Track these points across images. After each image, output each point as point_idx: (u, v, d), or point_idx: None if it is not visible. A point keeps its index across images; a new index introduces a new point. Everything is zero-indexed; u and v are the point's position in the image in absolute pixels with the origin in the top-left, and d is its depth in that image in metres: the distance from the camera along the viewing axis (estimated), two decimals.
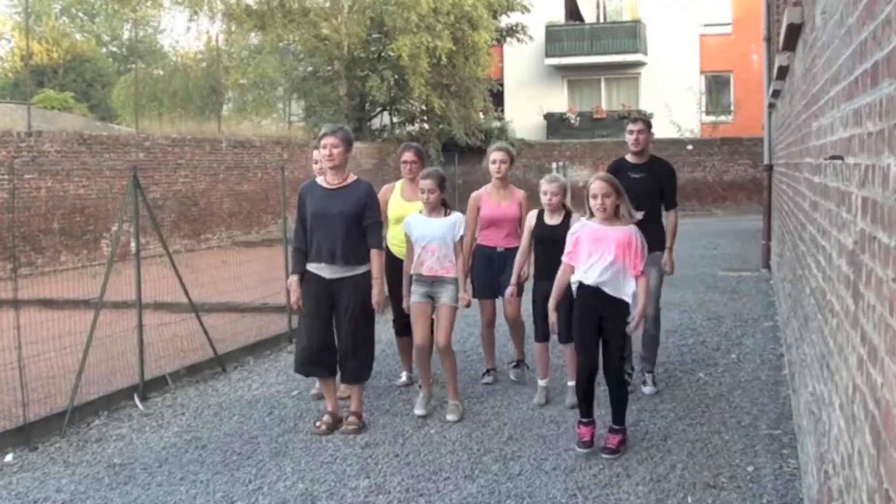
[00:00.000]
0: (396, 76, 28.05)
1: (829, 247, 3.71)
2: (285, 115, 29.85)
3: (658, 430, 6.44)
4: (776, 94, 10.59)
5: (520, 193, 7.69)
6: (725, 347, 8.98)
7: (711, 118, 32.96)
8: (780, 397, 7.17)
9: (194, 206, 21.03)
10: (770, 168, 14.00)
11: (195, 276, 10.98)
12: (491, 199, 7.65)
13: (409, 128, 31.21)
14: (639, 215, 6.15)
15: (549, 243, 6.70)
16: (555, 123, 34.80)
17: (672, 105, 30.90)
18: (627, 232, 5.92)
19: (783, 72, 8.31)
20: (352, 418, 6.67)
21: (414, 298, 6.85)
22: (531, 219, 7.09)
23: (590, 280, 5.90)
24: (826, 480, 3.57)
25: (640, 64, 35.29)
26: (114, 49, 48.68)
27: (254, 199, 23.05)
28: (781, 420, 6.57)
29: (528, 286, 7.35)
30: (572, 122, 34.52)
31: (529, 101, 34.75)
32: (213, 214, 21.69)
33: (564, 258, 6.09)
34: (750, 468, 5.65)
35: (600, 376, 6.06)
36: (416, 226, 6.84)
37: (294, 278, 6.69)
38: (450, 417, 6.81)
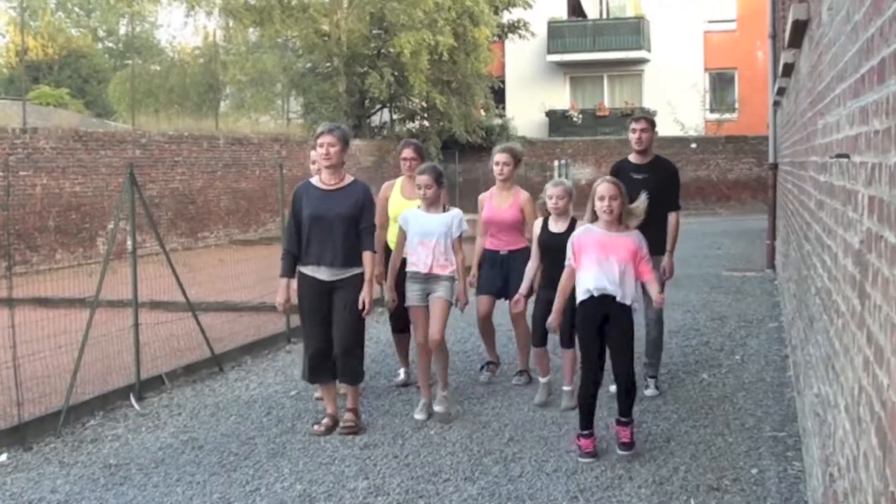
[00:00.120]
0: (396, 73, 28.04)
1: (835, 246, 3.71)
2: (284, 111, 29.85)
3: (661, 431, 6.44)
4: (781, 91, 10.59)
5: (522, 196, 7.65)
6: (729, 348, 8.98)
7: (716, 116, 32.99)
8: (784, 399, 7.17)
9: (191, 204, 21.03)
10: (775, 167, 14.00)
11: (192, 275, 10.97)
12: (492, 202, 7.67)
13: (409, 125, 31.23)
14: (644, 202, 6.08)
15: (554, 252, 6.67)
16: (557, 121, 34.81)
17: (676, 103, 30.91)
18: (633, 238, 5.90)
19: (788, 69, 8.30)
20: (348, 415, 6.66)
21: (412, 301, 6.84)
22: (536, 227, 7.06)
23: (595, 287, 5.84)
24: (831, 483, 3.57)
25: (643, 61, 35.30)
26: (110, 44, 48.67)
27: (252, 197, 23.05)
28: (786, 422, 6.57)
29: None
30: (574, 119, 34.54)
31: (531, 98, 34.76)
32: (210, 212, 21.69)
33: (568, 262, 6.04)
34: (754, 471, 5.65)
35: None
36: (413, 221, 6.83)
37: (283, 282, 6.68)
38: (437, 409, 6.81)
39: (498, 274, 7.61)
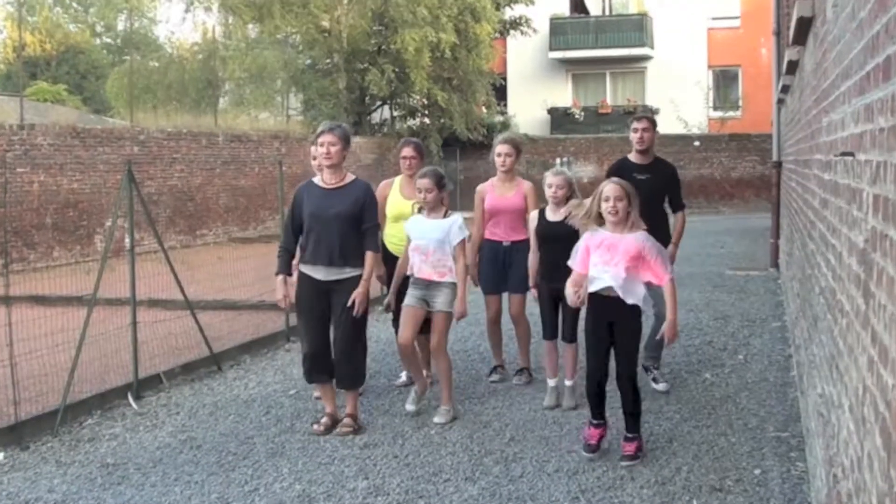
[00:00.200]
0: (397, 69, 28.04)
1: (840, 245, 3.71)
2: (283, 108, 29.85)
3: (663, 431, 6.44)
4: (785, 89, 10.59)
5: (525, 185, 7.67)
6: (732, 348, 8.98)
7: (719, 114, 32.96)
8: (788, 399, 7.17)
9: (190, 202, 21.04)
10: (779, 165, 14.00)
11: (191, 273, 10.98)
12: (495, 192, 7.67)
13: (410, 122, 31.22)
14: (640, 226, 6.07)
15: (553, 241, 6.67)
16: (559, 118, 34.81)
17: (679, 100, 30.90)
18: (638, 239, 5.85)
19: (793, 66, 8.30)
20: (347, 420, 6.66)
21: (407, 301, 6.84)
22: (533, 219, 7.06)
23: (603, 289, 5.82)
24: (835, 484, 3.57)
25: (646, 58, 35.28)
26: (108, 40, 48.66)
27: (251, 195, 23.06)
28: (789, 422, 6.57)
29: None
30: (577, 116, 34.53)
31: (533, 95, 34.75)
32: (209, 210, 21.70)
33: (575, 269, 6.00)
34: (757, 471, 5.65)
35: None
36: (413, 227, 6.83)
37: (280, 278, 6.68)
38: (436, 419, 6.79)
39: (499, 268, 7.61)
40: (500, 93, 33.65)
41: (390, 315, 7.98)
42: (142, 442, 6.64)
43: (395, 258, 7.38)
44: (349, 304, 6.45)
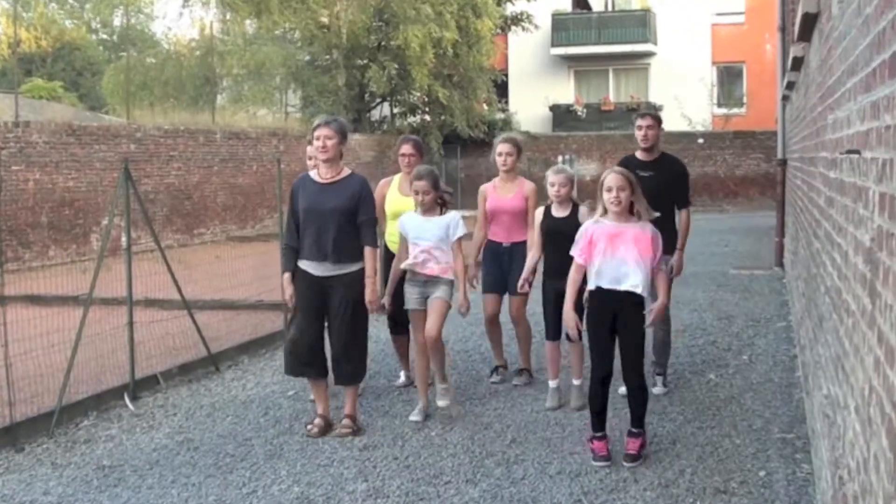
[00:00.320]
0: (397, 66, 28.03)
1: (845, 244, 3.70)
2: (282, 105, 29.84)
3: (667, 433, 6.44)
4: (790, 85, 10.58)
5: (527, 186, 7.66)
6: (737, 348, 8.98)
7: (723, 111, 32.97)
8: (793, 400, 7.17)
9: (187, 200, 21.04)
10: (784, 162, 13.99)
11: (188, 272, 10.98)
12: (496, 192, 7.67)
13: (410, 119, 31.20)
14: (652, 215, 6.08)
15: (559, 237, 6.67)
16: (561, 115, 34.81)
17: (682, 97, 30.89)
18: (645, 228, 5.86)
19: (798, 63, 8.30)
20: (345, 421, 6.66)
21: (410, 304, 6.83)
22: (539, 215, 7.07)
23: (606, 283, 5.83)
24: (841, 486, 3.57)
25: (649, 54, 35.29)
26: (104, 36, 48.65)
27: (249, 193, 23.06)
28: (795, 423, 6.57)
29: (536, 283, 7.34)
30: (579, 114, 34.54)
31: (535, 92, 34.75)
32: (206, 208, 21.70)
33: (577, 258, 6.01)
34: (762, 473, 5.65)
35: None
36: (410, 226, 6.81)
37: (287, 276, 6.68)
38: (440, 403, 6.82)
39: (499, 268, 7.62)
40: (502, 90, 33.65)
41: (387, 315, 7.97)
42: (138, 443, 6.64)
43: (394, 256, 7.38)
44: (354, 303, 6.47)
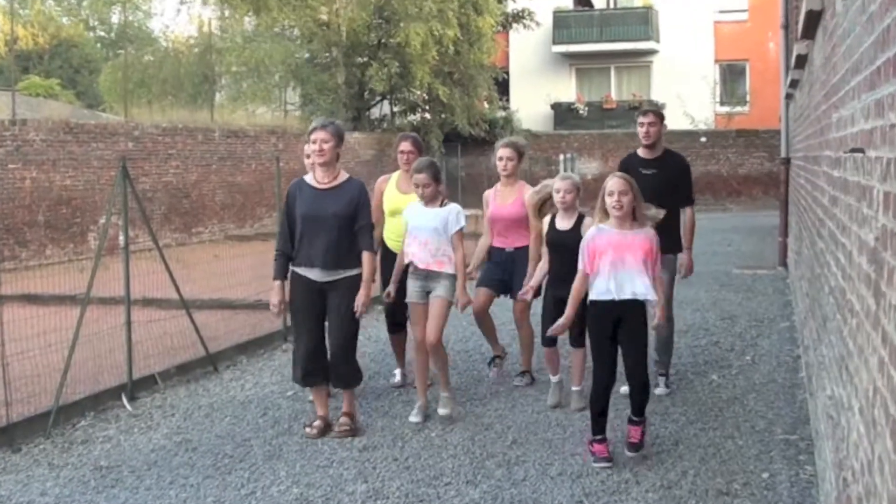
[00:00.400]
0: (398, 64, 28.01)
1: (850, 244, 3.70)
2: (281, 103, 29.84)
3: (669, 434, 6.44)
4: (794, 83, 10.58)
5: (526, 191, 7.63)
6: (740, 348, 8.98)
7: (726, 109, 32.98)
8: (796, 401, 7.17)
9: (185, 199, 21.04)
10: (787, 161, 13.99)
11: (186, 272, 10.99)
12: (497, 199, 7.68)
13: (410, 117, 31.20)
14: (661, 213, 6.08)
15: (562, 249, 6.65)
16: (562, 113, 34.81)
17: (685, 95, 30.90)
18: (647, 237, 5.87)
19: (802, 61, 8.29)
20: (343, 419, 6.66)
21: (411, 297, 6.84)
22: (544, 225, 7.05)
23: (614, 293, 5.82)
24: (845, 488, 3.57)
25: (651, 52, 35.28)
26: (102, 34, 48.63)
27: (248, 192, 23.06)
28: (798, 425, 6.57)
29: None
30: (581, 112, 34.53)
31: (536, 90, 34.75)
32: (205, 207, 21.70)
33: (581, 267, 6.00)
34: (765, 475, 5.65)
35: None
36: (411, 215, 6.83)
37: (276, 284, 6.67)
38: (441, 412, 6.81)
39: (500, 270, 7.61)
40: (503, 87, 33.63)
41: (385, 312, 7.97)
42: (136, 444, 6.64)
43: (393, 254, 7.39)
44: (353, 307, 6.46)
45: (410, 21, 26.95)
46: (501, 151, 7.63)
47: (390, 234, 7.55)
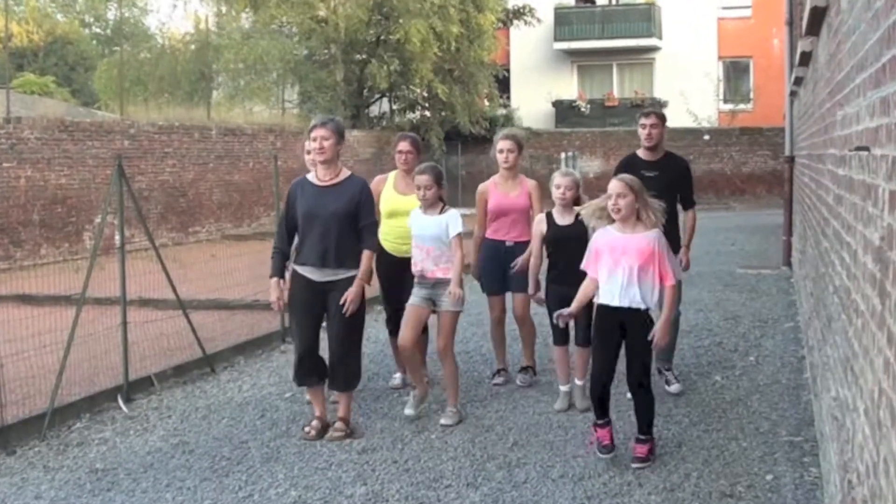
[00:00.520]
0: (398, 61, 28.01)
1: (855, 243, 3.70)
2: (279, 101, 29.84)
3: (672, 436, 6.44)
4: (798, 81, 10.58)
5: (529, 183, 7.66)
6: (743, 349, 8.98)
7: (729, 106, 32.97)
8: (801, 402, 7.17)
9: (182, 197, 21.04)
10: (791, 159, 13.99)
11: (183, 272, 10.99)
12: (498, 190, 7.65)
13: (410, 115, 31.19)
14: (663, 210, 6.06)
15: (564, 245, 6.66)
16: (564, 111, 34.81)
17: (688, 92, 30.90)
18: (648, 238, 5.83)
19: (806, 58, 8.29)
20: (338, 424, 6.66)
21: (412, 300, 6.85)
22: (541, 224, 7.02)
23: (613, 298, 5.82)
24: (850, 490, 3.57)
25: (654, 49, 35.28)
26: (97, 31, 48.64)
27: (245, 190, 23.05)
28: (802, 426, 6.57)
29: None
30: (582, 109, 34.52)
31: (537, 87, 34.75)
32: (201, 206, 21.70)
33: (588, 272, 6.01)
34: (769, 477, 5.65)
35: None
36: (414, 224, 6.84)
37: (273, 281, 6.67)
38: (443, 421, 6.81)
39: (500, 268, 7.59)
40: (503, 85, 33.64)
41: (385, 315, 7.98)
42: (132, 446, 6.64)
43: (390, 256, 7.38)
44: (340, 301, 6.45)
45: (410, 17, 26.94)
46: (502, 144, 7.63)
47: (387, 237, 7.52)
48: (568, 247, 6.51)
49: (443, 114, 29.71)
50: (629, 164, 7.44)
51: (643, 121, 7.47)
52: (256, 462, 6.18)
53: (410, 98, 31.03)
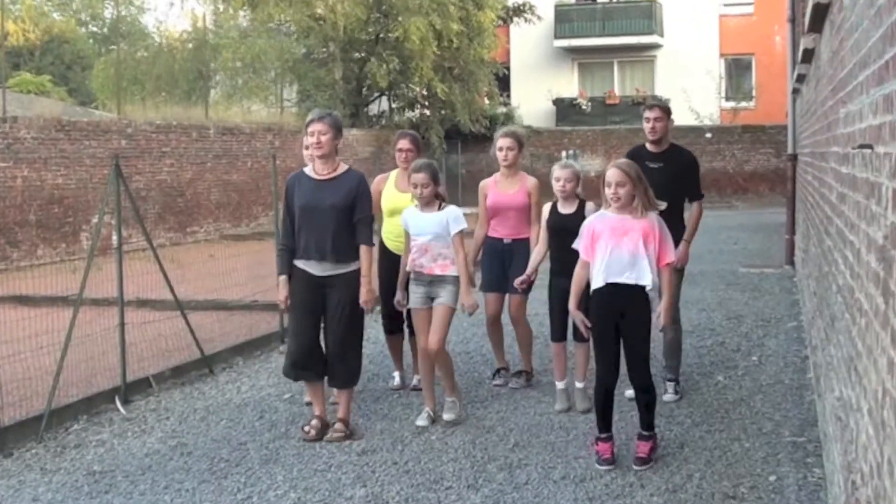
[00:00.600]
0: (397, 59, 28.00)
1: (858, 242, 3.70)
2: (278, 99, 29.83)
3: (674, 436, 6.44)
4: (801, 78, 10.58)
5: (529, 181, 7.66)
6: (746, 349, 8.98)
7: (732, 104, 32.97)
8: (804, 402, 7.16)
9: (180, 197, 21.04)
10: (794, 157, 13.99)
11: (181, 272, 10.99)
12: (497, 187, 7.66)
13: (410, 114, 31.18)
14: (662, 205, 6.08)
15: (565, 234, 6.67)
16: (564, 109, 34.80)
17: (690, 90, 30.88)
18: (650, 218, 5.88)
19: (809, 55, 8.29)
20: (338, 425, 6.66)
21: (414, 303, 6.83)
22: (545, 211, 7.07)
23: (610, 276, 5.84)
24: (854, 491, 3.57)
25: (655, 46, 35.28)
26: (94, 29, 48.60)
27: (243, 190, 23.05)
28: (806, 427, 6.57)
29: (542, 283, 7.34)
30: (583, 108, 34.52)
31: (537, 85, 34.74)
32: (199, 206, 21.70)
33: (581, 254, 6.04)
34: (772, 478, 5.64)
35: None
36: (410, 221, 6.83)
37: (283, 279, 6.68)
38: (446, 417, 6.80)
39: (500, 266, 7.60)
40: (503, 83, 33.64)
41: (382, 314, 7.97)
42: (130, 448, 6.64)
43: (392, 255, 7.38)
44: (353, 303, 6.47)
45: (410, 15, 26.94)
46: (502, 141, 7.63)
47: (389, 235, 7.55)
48: (568, 236, 6.51)
49: (442, 112, 29.71)
50: (635, 155, 7.45)
51: (647, 114, 7.47)
52: (255, 464, 6.18)
53: (410, 96, 31.02)
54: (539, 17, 32.82)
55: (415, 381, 7.71)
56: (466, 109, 29.44)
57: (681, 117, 28.69)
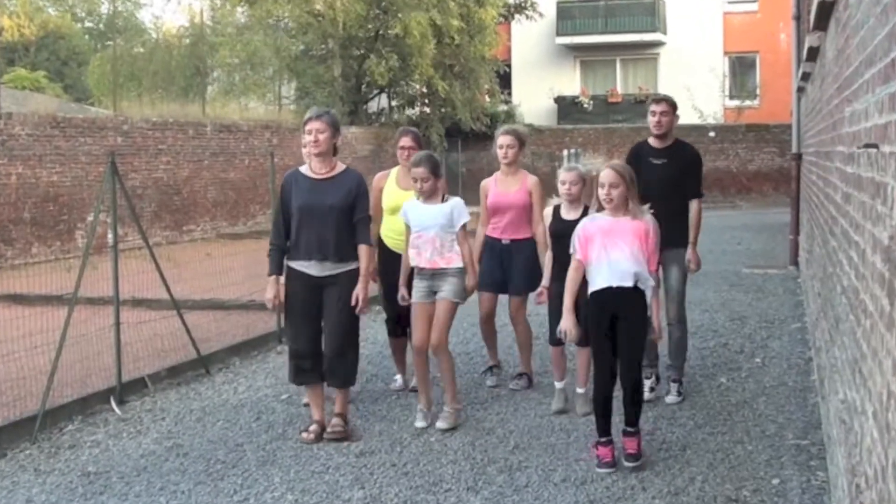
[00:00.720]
0: (397, 56, 27.99)
1: (863, 242, 3.70)
2: (276, 97, 29.83)
3: (676, 439, 6.44)
4: (806, 77, 10.57)
5: (530, 180, 7.64)
6: (749, 350, 8.98)
7: (735, 103, 32.96)
8: (808, 405, 7.17)
9: (176, 195, 21.03)
10: (799, 157, 13.99)
11: (177, 271, 10.99)
12: (498, 187, 7.65)
13: (409, 111, 31.17)
14: (645, 209, 6.08)
15: (565, 240, 6.67)
16: (566, 108, 34.79)
17: (693, 88, 30.80)
18: (643, 222, 5.91)
19: (813, 53, 8.29)
20: (336, 420, 6.65)
21: (416, 297, 6.83)
22: (548, 216, 7.06)
23: (605, 280, 5.85)
24: (858, 495, 3.57)
25: (658, 44, 35.26)
26: (90, 25, 48.69)
27: (241, 188, 23.06)
28: (809, 429, 6.57)
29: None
30: (585, 106, 34.51)
31: (539, 83, 34.71)
32: (196, 204, 21.69)
33: (575, 254, 6.05)
34: (775, 481, 5.65)
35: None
36: (412, 213, 6.82)
37: (272, 279, 6.67)
38: (440, 425, 6.74)
39: (498, 266, 7.59)
40: (505, 81, 33.62)
41: (384, 315, 7.97)
42: (125, 449, 6.64)
43: (393, 253, 7.37)
44: (351, 302, 6.47)
45: (409, 11, 26.94)
46: (502, 139, 7.62)
47: (390, 233, 7.54)
48: (569, 242, 6.51)
49: (443, 110, 29.70)
50: (638, 152, 7.46)
51: (653, 107, 7.46)
52: (252, 465, 6.18)
53: (410, 94, 31.00)
54: (541, 14, 32.82)
55: (414, 383, 7.70)
56: (467, 107, 29.43)
57: (684, 116, 28.55)
